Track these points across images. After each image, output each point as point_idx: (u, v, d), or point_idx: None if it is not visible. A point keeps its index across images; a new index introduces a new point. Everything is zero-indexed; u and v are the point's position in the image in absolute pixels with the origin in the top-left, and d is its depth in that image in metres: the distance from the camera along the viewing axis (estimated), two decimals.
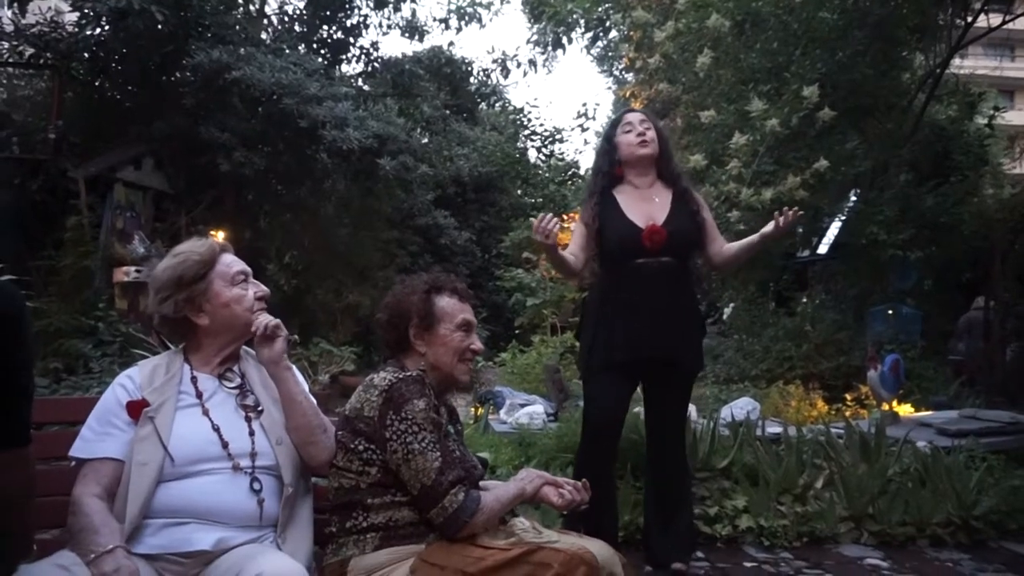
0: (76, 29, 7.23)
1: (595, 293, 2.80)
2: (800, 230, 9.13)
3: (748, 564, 2.87)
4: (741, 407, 4.51)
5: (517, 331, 8.87)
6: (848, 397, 6.07)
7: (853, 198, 8.87)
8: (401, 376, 1.73)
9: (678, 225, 2.63)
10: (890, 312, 7.83)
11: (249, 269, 1.82)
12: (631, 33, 8.60)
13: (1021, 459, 3.91)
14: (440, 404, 1.79)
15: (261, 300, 1.79)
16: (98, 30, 7.29)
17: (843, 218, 9.13)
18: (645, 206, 2.67)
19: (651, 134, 2.70)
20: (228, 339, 1.76)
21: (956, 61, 8.71)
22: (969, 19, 8.34)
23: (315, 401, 1.83)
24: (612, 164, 2.74)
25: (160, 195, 7.67)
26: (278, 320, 1.77)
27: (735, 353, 7.49)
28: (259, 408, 1.75)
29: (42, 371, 4.85)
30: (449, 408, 1.92)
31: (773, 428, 4.00)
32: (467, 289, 1.92)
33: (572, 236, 2.79)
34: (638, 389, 2.79)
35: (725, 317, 9.53)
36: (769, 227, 2.58)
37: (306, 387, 1.85)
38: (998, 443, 4.05)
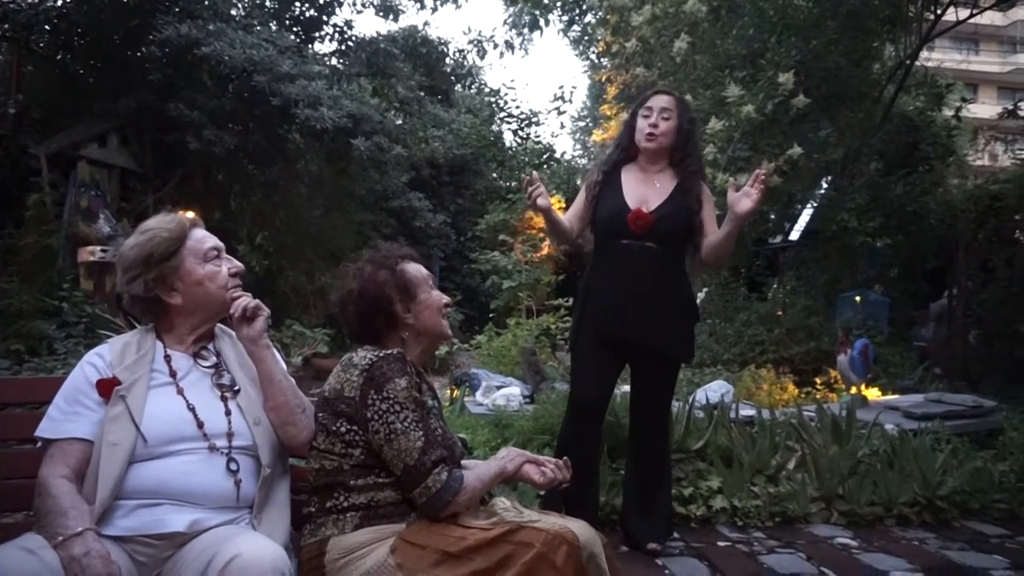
0: (36, 0, 6.97)
1: (588, 269, 2.82)
2: (772, 216, 9.23)
3: (722, 543, 2.91)
4: (715, 390, 4.55)
5: (492, 314, 8.85)
6: (818, 381, 6.17)
7: (824, 185, 8.99)
8: (382, 355, 1.70)
9: (668, 213, 2.61)
10: (857, 299, 7.97)
11: (222, 244, 1.77)
12: (608, 17, 8.56)
13: (984, 441, 4.03)
14: (421, 381, 1.77)
15: (236, 277, 1.74)
16: (59, 2, 7.03)
17: (814, 205, 9.25)
18: (644, 189, 2.67)
19: (666, 126, 2.65)
20: (202, 318, 1.72)
21: (924, 53, 8.83)
22: (938, 12, 8.46)
23: (294, 381, 1.80)
24: (630, 141, 2.74)
25: (126, 173, 7.47)
26: (257, 300, 1.73)
27: (708, 337, 7.56)
28: (235, 388, 1.71)
29: (3, 353, 4.72)
30: (428, 385, 1.90)
31: (746, 411, 4.05)
32: (413, 250, 1.95)
33: (575, 201, 2.83)
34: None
35: (698, 302, 9.63)
36: (732, 200, 2.47)
37: (284, 366, 1.81)
38: (962, 426, 4.16)
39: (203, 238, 1.74)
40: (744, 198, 2.44)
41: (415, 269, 1.86)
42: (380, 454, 1.65)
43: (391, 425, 1.63)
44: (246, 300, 1.71)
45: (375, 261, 1.84)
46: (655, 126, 2.65)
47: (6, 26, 6.99)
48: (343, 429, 1.67)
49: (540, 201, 2.50)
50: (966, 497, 3.37)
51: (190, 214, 1.87)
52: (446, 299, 1.90)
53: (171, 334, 1.70)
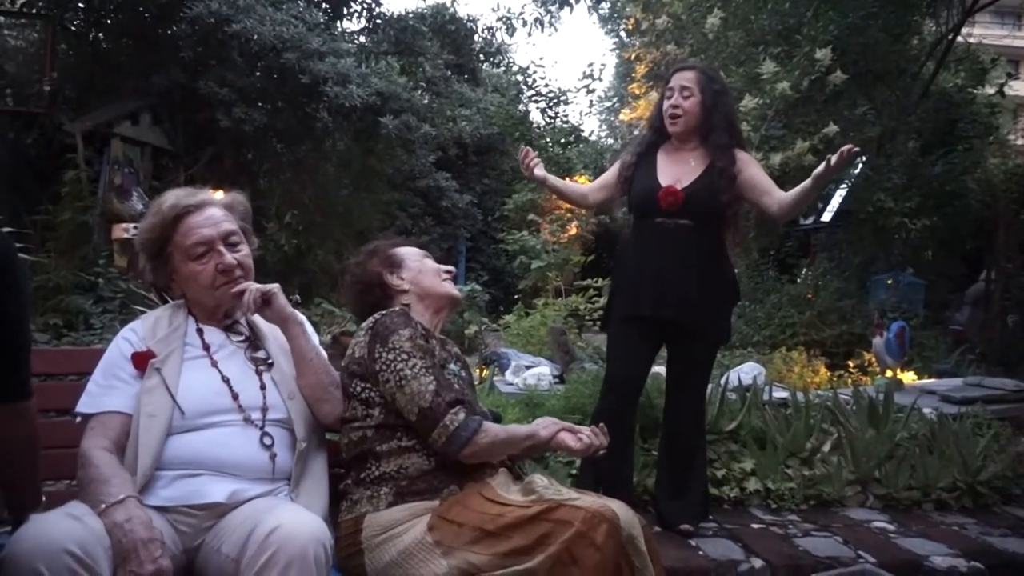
0: None
1: (622, 247, 2.81)
2: None
3: (756, 526, 2.87)
4: (747, 372, 4.49)
5: (517, 295, 8.84)
6: (851, 364, 6.07)
7: (860, 165, 8.78)
8: (384, 312, 1.77)
9: (699, 190, 2.55)
10: (889, 282, 7.81)
11: (216, 233, 1.64)
12: None
13: None
14: (430, 335, 1.81)
15: (225, 273, 1.64)
16: None
17: (848, 184, 9.06)
18: (678, 168, 2.61)
19: (687, 104, 2.56)
20: (210, 307, 1.69)
21: (965, 28, 8.54)
22: None
23: (326, 356, 1.79)
24: (661, 121, 2.67)
25: (158, 151, 7.55)
26: (264, 288, 1.66)
27: (737, 319, 7.46)
28: (269, 361, 1.71)
29: (42, 327, 4.80)
30: (455, 354, 1.92)
31: (779, 393, 3.99)
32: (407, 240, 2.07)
33: (607, 171, 2.83)
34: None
35: None
36: (821, 168, 2.36)
37: (316, 341, 1.80)
38: (1003, 410, 4.06)
39: (189, 232, 1.62)
40: (824, 163, 2.35)
41: (403, 248, 1.96)
42: (395, 405, 1.65)
43: (400, 372, 1.65)
44: (251, 294, 1.64)
45: (362, 253, 1.98)
46: (676, 107, 2.58)
47: (40, 4, 7.06)
48: (358, 388, 1.70)
49: (537, 172, 2.65)
50: (1008, 482, 3.29)
51: (215, 193, 1.81)
52: (444, 267, 1.96)
53: (198, 311, 1.70)
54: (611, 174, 2.77)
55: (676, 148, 2.67)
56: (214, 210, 1.68)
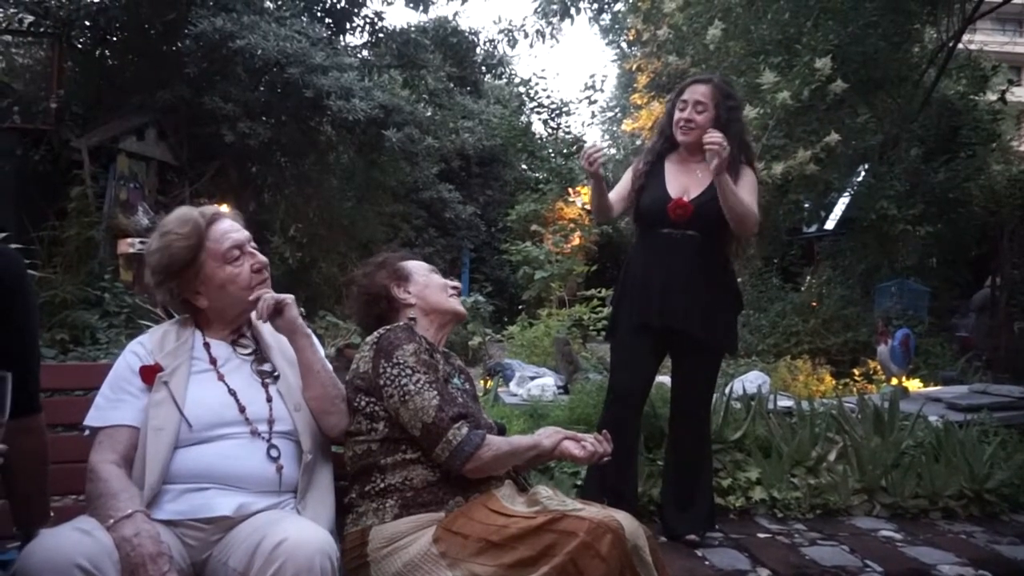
0: None
1: (628, 257, 2.82)
2: (807, 205, 9.07)
3: (762, 535, 2.87)
4: (752, 380, 4.50)
5: (521, 306, 8.85)
6: (856, 372, 6.06)
7: (862, 173, 8.80)
8: (389, 327, 1.78)
9: (707, 202, 2.57)
10: (893, 290, 7.81)
11: (243, 237, 1.70)
12: (639, 3, 8.46)
13: None
14: (434, 350, 1.81)
15: (259, 272, 1.69)
16: None
17: (851, 192, 9.07)
18: (686, 179, 2.64)
19: (701, 118, 2.57)
20: (233, 315, 1.71)
21: (965, 36, 8.56)
22: None
23: (332, 369, 1.80)
24: (671, 129, 2.69)
25: (163, 166, 7.60)
26: (279, 296, 1.69)
27: (742, 328, 7.45)
28: (275, 374, 1.72)
29: (49, 342, 4.83)
30: (458, 367, 1.93)
31: (784, 402, 3.99)
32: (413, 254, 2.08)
33: (621, 181, 2.82)
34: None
35: None
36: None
37: (322, 353, 1.82)
38: (1010, 417, 4.04)
39: (221, 237, 1.66)
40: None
41: (411, 262, 1.97)
42: (399, 419, 1.66)
43: (404, 388, 1.65)
44: (266, 302, 1.67)
45: (370, 264, 1.99)
46: (689, 120, 2.59)
47: (47, 22, 7.13)
48: (363, 403, 1.71)
49: (601, 171, 2.53)
50: (1015, 490, 3.27)
51: (220, 207, 1.84)
52: (451, 282, 1.97)
53: (208, 325, 1.72)
54: (625, 185, 2.77)
55: (683, 158, 2.69)
56: (230, 220, 1.74)
